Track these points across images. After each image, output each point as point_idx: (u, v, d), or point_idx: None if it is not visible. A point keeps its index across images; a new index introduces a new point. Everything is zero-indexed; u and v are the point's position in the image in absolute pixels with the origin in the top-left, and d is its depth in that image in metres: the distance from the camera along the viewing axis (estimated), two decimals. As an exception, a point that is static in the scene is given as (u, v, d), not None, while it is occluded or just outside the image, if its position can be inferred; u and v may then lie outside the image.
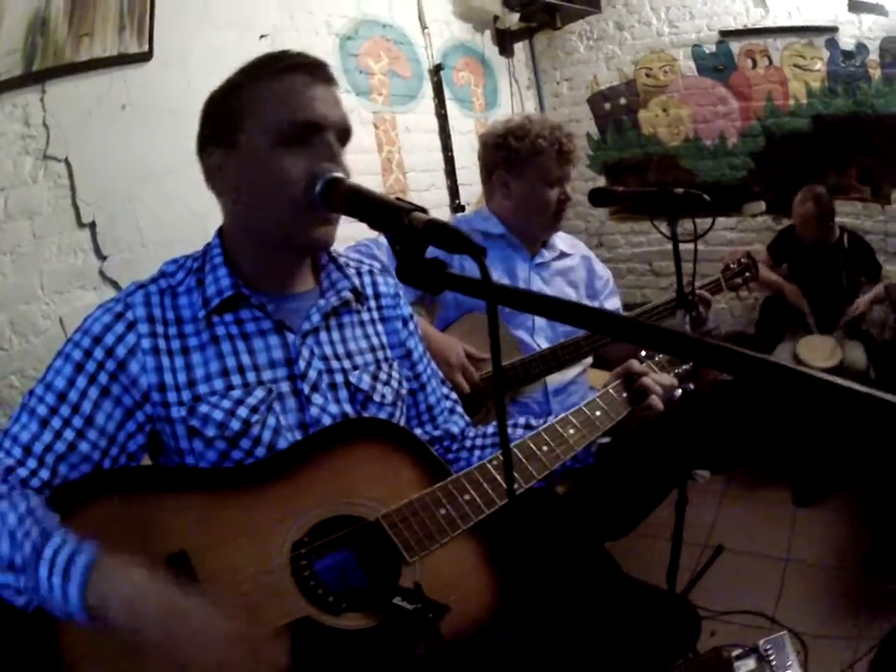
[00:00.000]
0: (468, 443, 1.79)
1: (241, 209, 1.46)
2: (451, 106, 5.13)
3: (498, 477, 1.46)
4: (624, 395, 1.76)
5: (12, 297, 2.78)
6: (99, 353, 1.36)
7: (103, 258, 3.08)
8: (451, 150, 5.09)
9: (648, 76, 5.52)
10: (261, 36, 3.81)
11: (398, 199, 1.05)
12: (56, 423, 1.31)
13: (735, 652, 2.37)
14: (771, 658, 2.17)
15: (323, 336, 1.54)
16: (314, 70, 1.42)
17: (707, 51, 5.24)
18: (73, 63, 2.95)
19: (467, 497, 1.42)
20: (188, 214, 3.20)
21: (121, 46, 3.11)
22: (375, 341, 1.64)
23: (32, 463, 1.27)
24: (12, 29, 2.76)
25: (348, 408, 1.52)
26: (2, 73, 2.74)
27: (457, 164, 5.08)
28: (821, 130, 4.96)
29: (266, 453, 1.40)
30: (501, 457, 1.47)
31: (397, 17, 4.79)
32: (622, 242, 6.04)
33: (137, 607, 1.04)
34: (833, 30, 4.75)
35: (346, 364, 1.55)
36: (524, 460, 1.53)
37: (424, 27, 4.95)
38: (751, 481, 4.32)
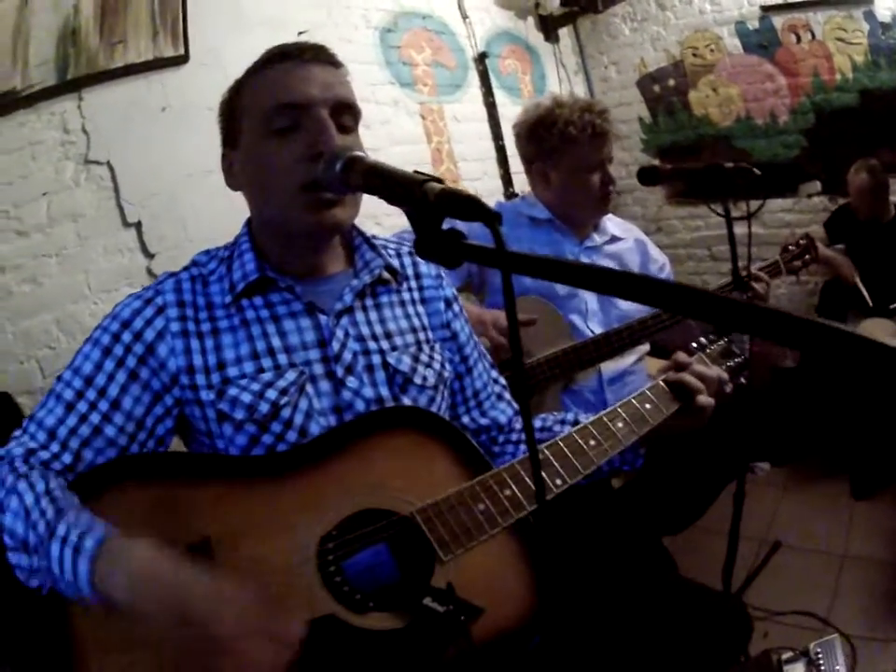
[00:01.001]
0: (514, 436, 1.72)
1: (253, 203, 1.49)
2: (499, 94, 5.14)
3: (542, 473, 1.39)
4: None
5: (59, 297, 2.89)
6: (127, 336, 1.37)
7: (150, 255, 3.19)
8: (501, 139, 5.09)
9: (694, 55, 5.45)
10: (300, 33, 3.84)
11: (416, 172, 1.01)
12: (82, 407, 1.32)
13: (785, 655, 2.35)
14: (820, 662, 2.17)
15: (359, 316, 1.51)
16: (302, 52, 1.41)
17: (751, 27, 5.16)
18: (108, 70, 3.07)
19: (507, 492, 1.35)
20: (230, 208, 3.12)
21: (156, 50, 3.21)
22: (416, 321, 1.59)
23: (55, 447, 1.29)
24: (42, 40, 2.87)
25: (384, 391, 1.47)
26: (36, 83, 2.85)
27: (509, 152, 5.06)
28: (869, 105, 4.86)
29: (298, 437, 1.37)
30: (546, 451, 1.43)
31: (436, 7, 4.82)
32: (679, 227, 5.98)
33: (139, 583, 1.04)
34: (869, 1, 4.68)
35: (384, 344, 1.51)
36: (569, 455, 1.45)
37: (464, 16, 4.97)
38: (811, 473, 4.21)
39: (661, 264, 2.85)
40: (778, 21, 5.07)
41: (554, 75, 5.75)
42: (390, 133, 4.40)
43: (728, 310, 0.62)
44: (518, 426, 1.74)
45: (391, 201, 1.02)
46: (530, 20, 5.58)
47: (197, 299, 1.44)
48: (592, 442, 1.48)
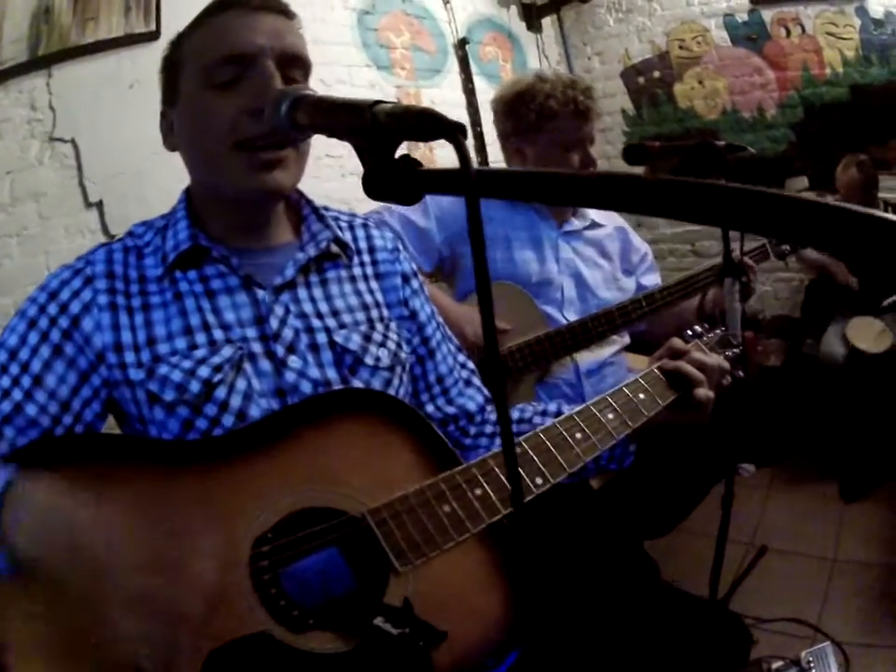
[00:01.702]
0: (488, 429, 1.62)
1: (188, 164, 1.39)
2: (478, 81, 5.07)
3: (520, 470, 1.23)
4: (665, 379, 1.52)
5: (19, 279, 2.79)
6: (53, 308, 1.28)
7: (111, 237, 3.07)
8: (480, 125, 5.02)
9: (681, 47, 5.41)
10: None
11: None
12: (4, 382, 1.23)
13: (776, 665, 2.33)
14: (812, 671, 2.15)
15: (302, 293, 1.39)
16: (248, 2, 1.29)
17: (740, 20, 5.14)
18: (78, 46, 3.01)
19: (478, 491, 1.18)
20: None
21: (127, 26, 3.15)
22: (368, 298, 1.48)
23: None
24: (17, 19, 2.83)
25: (332, 373, 1.35)
26: (7, 61, 2.81)
27: (487, 140, 5.00)
28: (860, 100, 4.85)
29: (236, 422, 1.25)
30: (524, 444, 1.29)
31: (415, -10, 4.72)
32: (661, 222, 5.88)
33: (37, 521, 0.99)
34: (861, -4, 4.65)
35: (331, 322, 1.39)
36: (552, 450, 1.27)
37: (446, 1, 4.90)
38: (798, 474, 4.16)
39: (643, 253, 2.77)
40: (768, 14, 5.05)
41: (536, 64, 5.68)
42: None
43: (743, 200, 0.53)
44: (492, 416, 1.62)
45: (340, 134, 0.91)
46: (513, 8, 5.52)
47: (129, 271, 1.34)
48: (578, 436, 1.32)
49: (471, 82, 5.05)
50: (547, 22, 5.80)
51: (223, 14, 1.29)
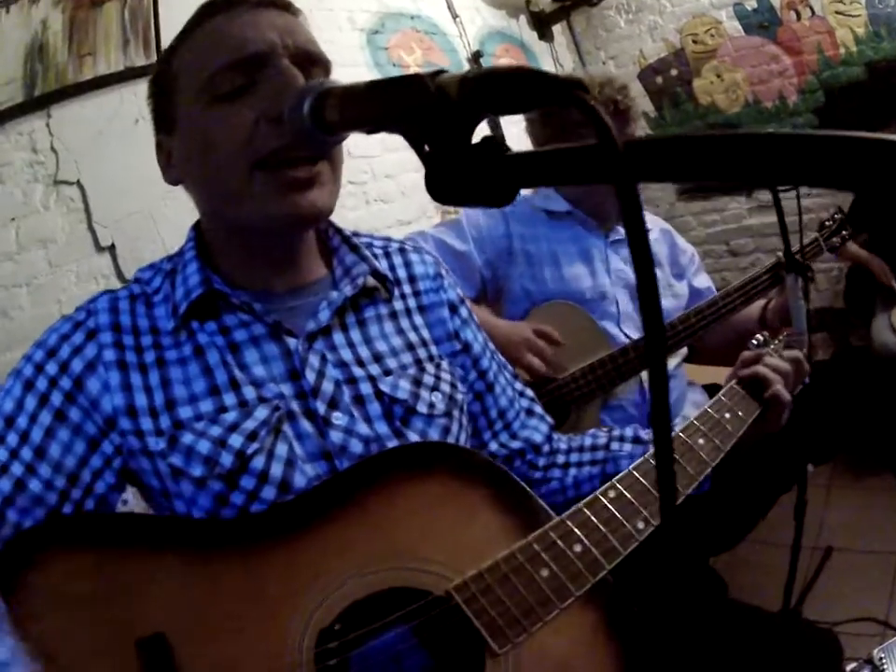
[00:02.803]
0: (560, 458, 1.44)
1: (196, 195, 1.18)
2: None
3: (618, 514, 1.06)
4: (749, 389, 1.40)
5: (32, 330, 2.49)
6: (52, 368, 1.08)
7: (126, 282, 2.81)
8: (503, 141, 4.86)
9: (695, 42, 5.23)
10: None
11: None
12: (2, 454, 1.04)
13: (850, 667, 2.18)
14: (885, 667, 1.97)
15: (339, 337, 1.18)
16: (246, 0, 1.09)
17: (749, 8, 4.97)
18: (77, 84, 2.87)
19: (578, 548, 1.01)
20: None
21: (127, 60, 3.00)
22: (413, 336, 1.28)
23: None
24: (10, 57, 2.70)
25: (382, 427, 1.15)
26: (3, 102, 2.67)
27: (508, 137, 4.83)
28: (877, 77, 4.69)
29: (278, 494, 1.05)
30: (618, 485, 1.10)
31: (423, 8, 4.60)
32: (694, 224, 5.68)
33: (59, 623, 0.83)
34: (863, -30, 4.52)
35: (374, 370, 1.19)
36: (650, 489, 1.11)
37: (454, 16, 4.75)
38: (856, 469, 3.94)
39: (690, 254, 2.59)
40: (776, -1, 4.91)
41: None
42: (383, 139, 4.14)
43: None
44: (562, 445, 1.46)
45: (388, 124, 0.68)
46: (522, 18, 5.36)
47: (138, 321, 1.14)
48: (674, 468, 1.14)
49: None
50: (558, 30, 5.64)
51: (217, 17, 1.10)
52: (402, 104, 0.64)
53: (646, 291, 0.46)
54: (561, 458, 1.44)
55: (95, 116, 2.93)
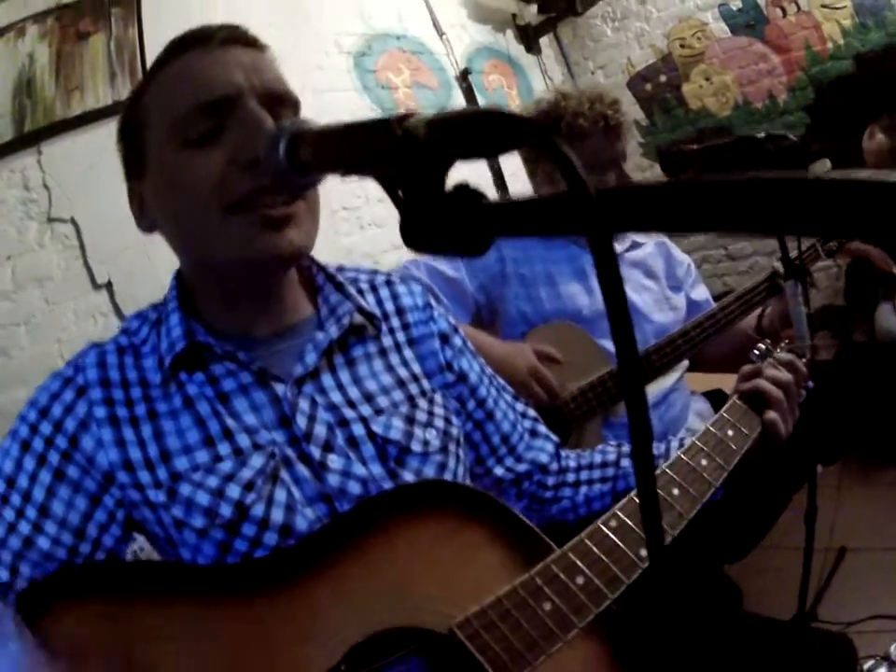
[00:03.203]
0: (570, 477, 1.41)
1: (172, 242, 1.15)
2: (488, 114, 4.90)
3: (620, 543, 1.04)
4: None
5: (32, 369, 2.61)
6: (46, 428, 1.07)
7: (124, 318, 2.82)
8: (496, 159, 4.84)
9: (682, 46, 5.21)
10: None
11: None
12: (8, 514, 1.04)
13: (867, 665, 2.15)
14: None
15: (327, 380, 1.16)
16: (213, 35, 1.07)
17: (735, 8, 4.96)
18: (66, 120, 2.86)
19: (580, 580, 0.98)
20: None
21: (115, 94, 2.98)
22: (404, 372, 1.25)
23: None
24: None
25: (376, 468, 1.13)
26: None
27: (506, 172, 4.73)
28: (865, 69, 4.67)
29: (280, 538, 1.04)
30: (619, 514, 1.08)
31: (409, 27, 4.59)
32: None
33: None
34: (847, -39, 4.52)
35: (365, 410, 1.16)
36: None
37: (441, 34, 4.73)
38: (865, 467, 3.89)
39: (686, 265, 2.54)
40: (761, -3, 4.89)
41: (541, 87, 5.46)
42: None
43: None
44: (570, 462, 1.43)
45: (360, 167, 0.65)
46: (509, 32, 5.34)
47: (127, 374, 1.11)
48: (676, 492, 1.15)
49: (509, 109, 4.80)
50: (545, 42, 5.62)
51: (184, 55, 1.07)
52: (370, 148, 0.62)
53: (622, 339, 0.44)
54: (571, 477, 1.42)
55: (86, 151, 2.90)
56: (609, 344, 2.17)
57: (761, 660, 1.39)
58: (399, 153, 0.58)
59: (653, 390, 2.21)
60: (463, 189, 0.55)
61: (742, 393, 1.36)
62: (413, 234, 0.57)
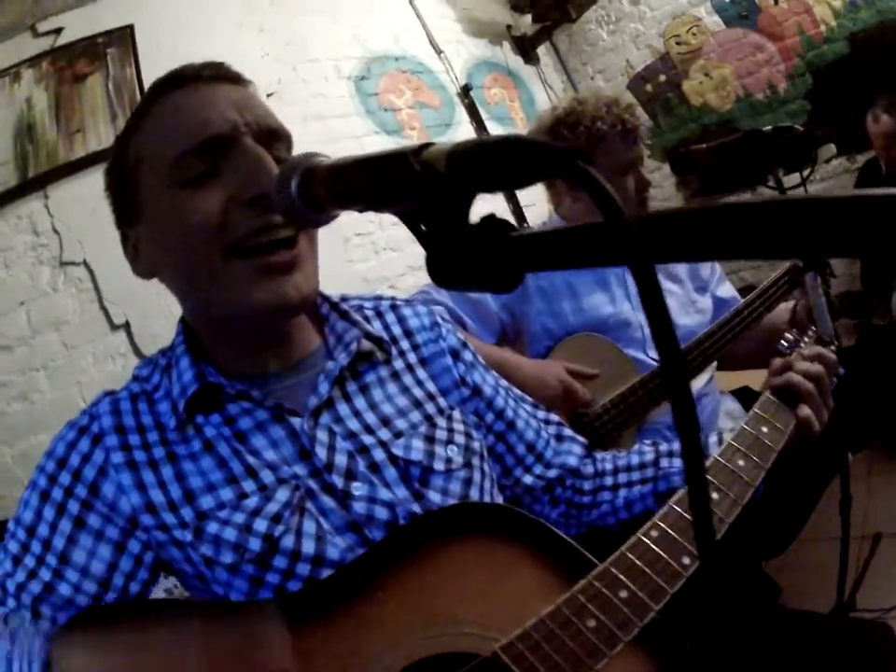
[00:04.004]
0: (608, 480, 1.37)
1: (174, 286, 1.12)
2: (491, 127, 4.82)
3: (663, 553, 0.99)
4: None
5: (54, 413, 2.61)
6: (65, 477, 1.05)
7: (143, 357, 2.88)
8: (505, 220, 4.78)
9: (678, 43, 5.16)
10: (268, 95, 3.63)
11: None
12: (29, 561, 1.02)
13: None
14: None
15: (343, 408, 1.13)
16: (198, 73, 1.06)
17: (727, 0, 4.94)
18: (70, 163, 2.85)
19: (623, 594, 0.94)
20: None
21: (117, 134, 2.94)
22: (419, 392, 1.22)
23: (10, 602, 1.02)
24: None
25: (401, 491, 1.10)
26: None
27: (523, 202, 4.68)
28: (859, 49, 4.63)
29: (312, 569, 1.02)
30: (660, 524, 1.04)
31: (407, 48, 4.58)
32: None
33: None
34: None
35: (384, 434, 1.14)
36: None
37: (439, 51, 4.71)
38: (894, 451, 3.78)
39: (710, 264, 2.49)
40: (751, -14, 4.86)
41: (543, 96, 5.44)
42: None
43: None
44: (607, 465, 1.38)
45: (379, 203, 0.62)
46: (505, 44, 5.32)
47: (142, 419, 1.09)
48: (715, 496, 1.10)
49: (484, 129, 4.77)
50: (542, 51, 5.59)
51: (172, 95, 1.05)
52: (389, 183, 0.58)
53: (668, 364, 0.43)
54: (609, 480, 1.37)
55: (93, 193, 2.85)
56: (633, 352, 2.15)
57: (802, 655, 1.34)
58: (419, 188, 0.55)
59: None
60: (490, 220, 0.53)
61: (774, 388, 1.31)
62: (441, 270, 0.55)
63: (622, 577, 0.95)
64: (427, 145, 0.56)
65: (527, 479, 1.33)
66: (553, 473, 1.34)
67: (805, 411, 1.28)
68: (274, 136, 1.05)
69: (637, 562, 0.97)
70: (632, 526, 1.04)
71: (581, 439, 1.42)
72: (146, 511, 1.03)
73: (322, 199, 0.69)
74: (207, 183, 1.00)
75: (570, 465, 1.36)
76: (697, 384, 2.20)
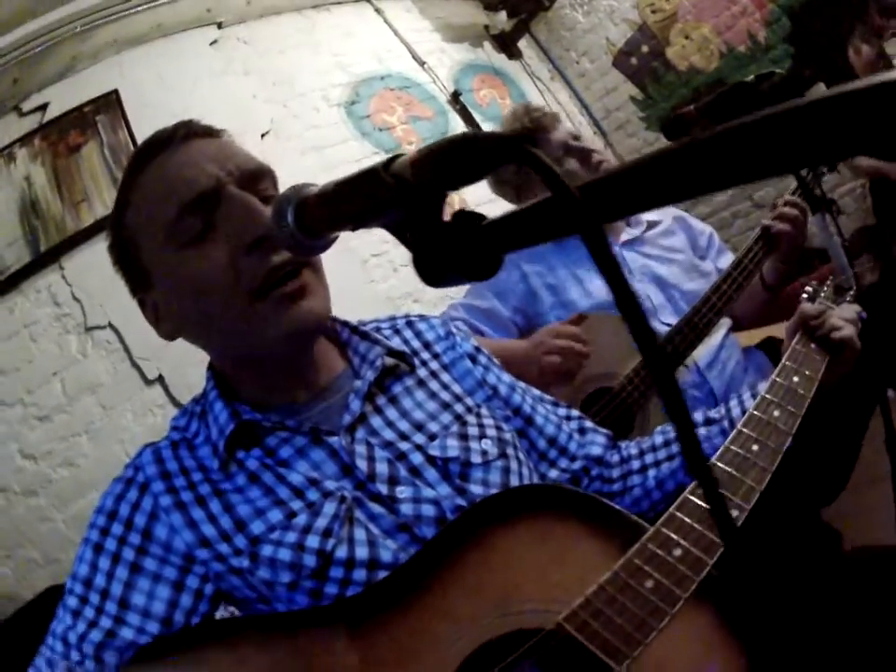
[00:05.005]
0: (635, 464, 1.36)
1: (198, 339, 1.16)
2: (487, 127, 4.76)
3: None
4: (813, 346, 1.37)
5: (101, 473, 2.64)
6: (117, 528, 1.08)
7: (181, 406, 2.91)
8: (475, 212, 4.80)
9: (653, 11, 5.07)
10: (263, 135, 3.68)
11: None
12: (88, 612, 1.05)
13: None
14: None
15: (376, 421, 1.16)
16: (171, 136, 1.09)
17: (690, -42, 4.85)
18: (79, 232, 2.89)
19: (677, 552, 0.95)
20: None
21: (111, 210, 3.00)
22: (446, 395, 1.26)
23: (74, 654, 1.04)
24: (4, 220, 2.74)
25: (444, 488, 1.12)
26: (11, 265, 2.73)
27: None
28: None
29: (368, 573, 1.04)
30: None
31: (391, 65, 4.59)
32: None
33: None
34: None
35: (419, 439, 1.17)
36: (736, 474, 1.07)
37: (421, 63, 4.72)
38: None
39: (708, 234, 2.51)
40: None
41: (532, 88, 5.40)
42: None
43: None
44: (632, 450, 1.38)
45: (365, 220, 0.66)
46: (486, 44, 5.30)
47: (185, 463, 1.12)
48: (755, 448, 1.11)
49: (480, 130, 4.73)
50: (524, 45, 5.56)
51: (153, 163, 1.09)
52: (368, 200, 0.62)
53: (635, 324, 0.45)
54: (636, 464, 1.37)
55: (105, 257, 2.89)
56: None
57: (873, 592, 1.29)
58: (394, 199, 0.59)
59: (703, 353, 2.16)
60: (461, 215, 0.56)
61: (807, 335, 1.37)
62: (427, 271, 0.58)
63: (674, 536, 0.96)
64: (396, 157, 0.59)
65: (553, 473, 1.33)
66: (577, 465, 1.34)
67: (844, 335, 1.35)
68: (258, 177, 1.08)
69: (687, 520, 0.99)
70: (666, 508, 1.04)
71: (604, 430, 1.42)
72: (200, 546, 1.05)
73: (316, 224, 0.71)
74: (207, 238, 1.04)
75: (595, 454, 1.36)
76: (714, 339, 2.20)
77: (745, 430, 1.15)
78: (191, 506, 1.07)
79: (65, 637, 1.04)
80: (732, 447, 1.11)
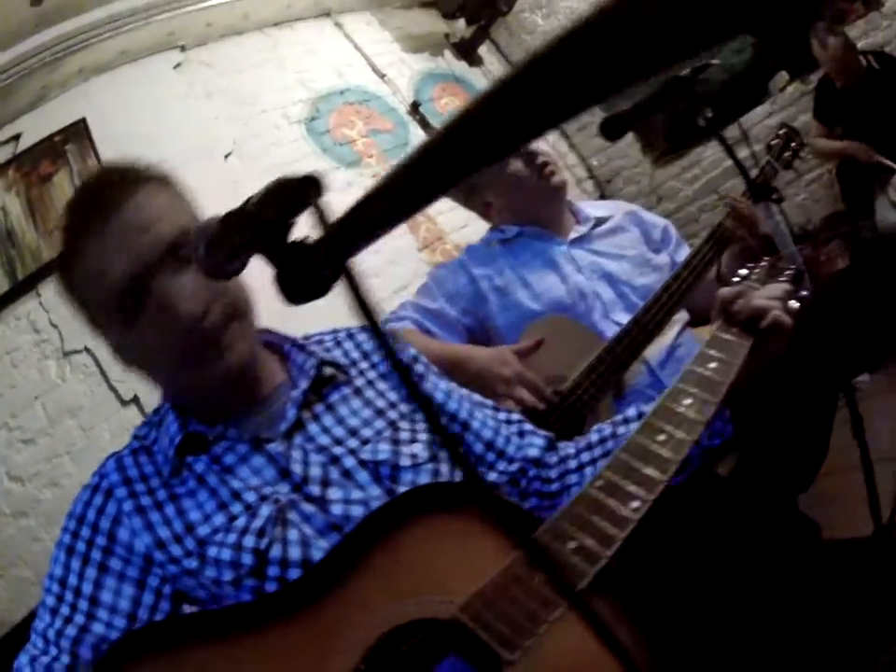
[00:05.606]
0: (571, 463, 1.44)
1: (153, 378, 1.34)
2: (450, 136, 4.97)
3: (609, 501, 1.04)
4: (735, 330, 1.35)
5: None
6: (86, 532, 1.22)
7: None
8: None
9: (610, 8, 5.26)
10: (226, 156, 3.82)
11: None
12: (64, 609, 1.19)
13: None
14: None
15: (313, 427, 1.30)
16: (93, 214, 1.21)
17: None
18: (54, 259, 2.92)
19: (572, 544, 0.99)
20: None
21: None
22: (381, 402, 1.37)
23: (52, 650, 1.18)
24: None
25: (374, 489, 1.24)
26: None
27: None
28: None
29: (304, 572, 1.15)
30: (604, 473, 1.10)
31: (350, 80, 4.70)
32: (678, 185, 5.63)
33: None
34: None
35: (353, 443, 1.29)
36: (637, 466, 1.08)
37: (381, 76, 4.84)
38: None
39: (662, 226, 2.55)
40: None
41: (496, 96, 5.54)
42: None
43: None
44: (570, 450, 1.46)
45: (248, 251, 0.72)
46: (447, 53, 5.44)
47: (144, 469, 1.27)
48: (661, 437, 1.12)
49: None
50: (484, 51, 5.69)
51: (91, 236, 1.21)
52: (245, 234, 0.70)
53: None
54: (573, 462, 1.45)
55: (79, 283, 3.08)
56: (599, 321, 2.22)
57: (851, 581, 1.29)
58: (255, 231, 0.68)
59: (656, 352, 2.19)
60: (293, 245, 0.66)
61: (728, 320, 1.38)
62: (283, 293, 0.66)
63: (568, 529, 1.00)
64: (255, 195, 0.69)
65: (491, 476, 1.42)
66: (514, 467, 1.43)
67: (773, 318, 1.33)
68: (176, 245, 1.20)
69: (584, 512, 1.02)
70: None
71: (544, 433, 1.50)
72: (157, 548, 1.19)
73: (219, 257, 0.79)
74: (142, 311, 1.19)
75: (532, 456, 1.44)
76: (668, 337, 2.23)
77: (652, 420, 1.16)
78: (150, 510, 1.21)
79: (45, 634, 1.18)
80: (636, 438, 1.13)
